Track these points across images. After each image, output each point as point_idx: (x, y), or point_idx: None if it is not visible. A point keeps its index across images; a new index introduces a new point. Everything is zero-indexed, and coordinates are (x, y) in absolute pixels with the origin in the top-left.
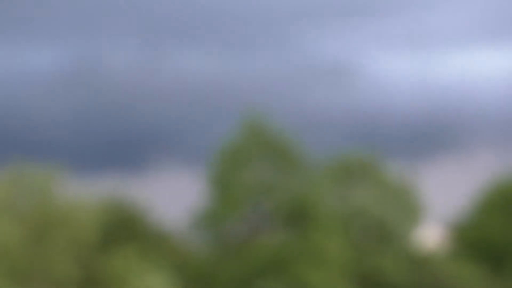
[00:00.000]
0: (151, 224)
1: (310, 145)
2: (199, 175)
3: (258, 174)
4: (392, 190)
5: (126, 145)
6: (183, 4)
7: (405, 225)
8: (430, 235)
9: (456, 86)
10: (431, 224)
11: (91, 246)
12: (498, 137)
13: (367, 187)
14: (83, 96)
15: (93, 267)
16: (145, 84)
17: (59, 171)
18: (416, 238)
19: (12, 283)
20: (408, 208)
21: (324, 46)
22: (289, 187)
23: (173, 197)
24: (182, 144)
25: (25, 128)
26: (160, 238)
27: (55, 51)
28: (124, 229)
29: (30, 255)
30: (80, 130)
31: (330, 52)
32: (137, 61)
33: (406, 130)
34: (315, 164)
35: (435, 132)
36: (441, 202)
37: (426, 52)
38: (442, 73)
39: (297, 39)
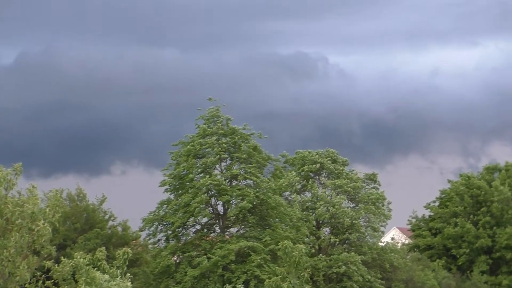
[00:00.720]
0: (107, 222)
1: (272, 144)
2: (156, 175)
3: (215, 174)
4: (356, 192)
5: (81, 144)
6: (144, 3)
7: (370, 226)
8: (393, 237)
9: (417, 90)
10: (394, 226)
11: (45, 244)
12: (457, 142)
13: (330, 188)
14: (33, 92)
15: (47, 265)
16: (99, 81)
17: (11, 171)
18: (381, 239)
19: None
20: (372, 210)
21: (286, 44)
22: (250, 187)
23: (129, 196)
24: (138, 143)
25: None
26: (116, 236)
27: (2, 47)
28: (80, 227)
29: None
30: (32, 128)
31: (292, 50)
32: (92, 58)
33: (367, 132)
34: (277, 164)
35: (397, 135)
36: (402, 205)
37: (389, 52)
38: (404, 75)
39: (257, 37)
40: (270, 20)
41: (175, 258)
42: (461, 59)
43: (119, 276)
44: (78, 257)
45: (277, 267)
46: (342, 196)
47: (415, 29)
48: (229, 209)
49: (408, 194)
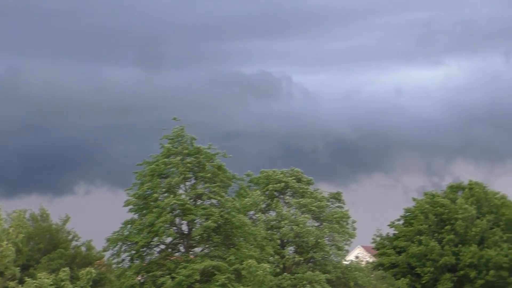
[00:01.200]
0: (71, 242)
1: (236, 163)
2: (120, 194)
3: (179, 194)
4: (320, 211)
5: (44, 164)
6: (106, 21)
7: (335, 244)
8: (358, 255)
9: (381, 109)
10: (359, 244)
11: (8, 264)
12: (420, 161)
13: (295, 207)
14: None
15: (11, 285)
16: (63, 101)
17: None
18: (345, 258)
19: None
20: (337, 229)
21: (250, 63)
22: (214, 206)
23: (92, 215)
24: (102, 163)
25: None
26: (79, 256)
27: None
28: (43, 247)
29: None
30: None
31: (256, 69)
32: (56, 78)
33: (332, 151)
34: (241, 183)
35: (361, 154)
36: (367, 223)
37: (352, 72)
38: (367, 95)
39: (221, 56)
40: (234, 39)
41: (139, 278)
42: (424, 78)
43: None
44: (42, 277)
45: (241, 287)
46: (306, 215)
47: (378, 49)
48: (193, 229)
49: (372, 213)
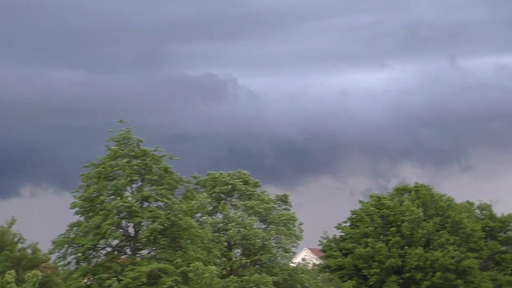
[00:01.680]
0: (16, 244)
1: (183, 166)
2: (66, 197)
3: (126, 196)
4: (267, 214)
5: None
6: (52, 24)
7: (282, 247)
8: (304, 257)
9: (327, 111)
10: (306, 246)
11: None
12: (367, 163)
13: (241, 209)
14: None
15: None
16: (8, 104)
17: None
18: (292, 260)
19: None
20: (283, 231)
21: (195, 65)
22: (161, 209)
23: (38, 218)
24: (48, 166)
25: None
26: (25, 258)
27: None
28: None
29: None
30: None
31: (202, 71)
32: (0, 80)
33: (278, 153)
34: (188, 185)
35: (308, 156)
36: (313, 225)
37: (298, 74)
38: (314, 97)
39: (166, 58)
40: (180, 42)
41: (85, 281)
42: (369, 81)
43: None
44: None
45: None
46: (253, 218)
47: (324, 51)
48: (140, 231)
49: (319, 215)
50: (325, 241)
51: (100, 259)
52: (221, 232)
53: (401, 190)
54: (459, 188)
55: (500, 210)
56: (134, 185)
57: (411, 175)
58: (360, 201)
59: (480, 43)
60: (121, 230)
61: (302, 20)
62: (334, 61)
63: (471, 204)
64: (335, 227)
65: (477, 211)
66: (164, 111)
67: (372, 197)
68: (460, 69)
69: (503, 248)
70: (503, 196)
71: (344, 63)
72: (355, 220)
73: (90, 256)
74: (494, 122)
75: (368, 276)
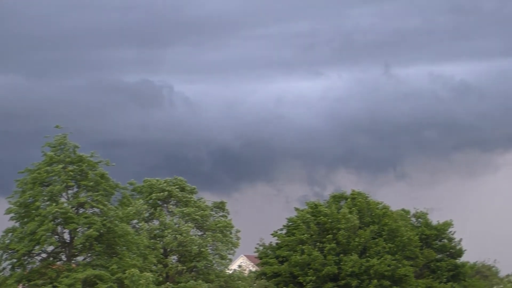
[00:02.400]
0: None
1: (119, 172)
2: (1, 202)
3: (61, 202)
4: (204, 221)
5: None
6: None
7: (218, 253)
8: (241, 264)
9: (263, 119)
10: (242, 253)
11: None
12: (303, 170)
13: (178, 216)
14: None
15: None
16: None
17: None
18: (228, 267)
19: None
20: (220, 238)
21: (131, 71)
22: (97, 215)
23: None
24: None
25: None
26: None
27: None
28: None
29: None
30: None
31: (138, 77)
32: None
33: (215, 160)
34: (124, 192)
35: (244, 163)
36: (250, 232)
37: (234, 81)
38: (250, 104)
39: (102, 64)
40: (116, 47)
41: (20, 287)
42: (305, 89)
43: None
44: None
45: None
46: (190, 224)
47: (260, 59)
48: (75, 237)
49: (255, 222)
50: (261, 248)
51: (35, 265)
52: (157, 239)
53: (338, 198)
54: (395, 195)
55: (435, 218)
56: (70, 191)
57: (347, 182)
58: (296, 209)
59: (415, 52)
60: (56, 236)
61: (238, 27)
62: (270, 69)
63: (407, 212)
64: (272, 234)
65: (413, 219)
66: (99, 117)
67: (308, 204)
68: (395, 77)
69: (438, 256)
70: (438, 204)
71: (279, 71)
72: (291, 228)
73: (25, 262)
74: (429, 130)
75: (304, 284)
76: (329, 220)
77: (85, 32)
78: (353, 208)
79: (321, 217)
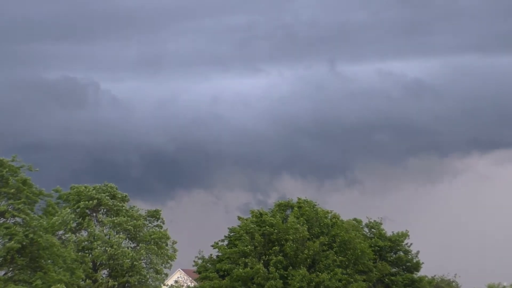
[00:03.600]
0: None
1: (42, 177)
2: None
3: None
4: (137, 231)
5: None
6: None
7: (153, 267)
8: (178, 279)
9: (198, 119)
10: (179, 267)
11: None
12: (243, 175)
13: (108, 226)
14: None
15: None
16: None
17: None
18: (164, 282)
19: None
20: (155, 250)
21: (51, 67)
22: (18, 225)
23: None
24: None
25: None
26: None
27: None
28: None
29: None
30: None
31: (59, 74)
32: None
33: (147, 164)
34: (49, 200)
35: (179, 168)
36: (188, 244)
37: (166, 79)
38: (183, 103)
39: (18, 59)
40: (35, 41)
41: None
42: (243, 87)
43: None
44: None
45: None
46: (121, 235)
47: (193, 55)
48: None
49: (193, 232)
50: (200, 261)
51: None
52: (86, 251)
53: (283, 206)
54: (345, 204)
55: (390, 229)
56: None
57: (293, 189)
58: (240, 218)
59: (362, 48)
60: None
61: (170, 21)
62: (205, 65)
63: (359, 221)
64: (212, 246)
65: (366, 230)
66: (17, 117)
67: (252, 213)
68: (341, 75)
69: (394, 270)
70: (392, 213)
71: (215, 68)
72: (233, 238)
73: None
74: (381, 133)
75: None
76: (276, 231)
77: (1, 25)
78: (301, 218)
79: (267, 227)
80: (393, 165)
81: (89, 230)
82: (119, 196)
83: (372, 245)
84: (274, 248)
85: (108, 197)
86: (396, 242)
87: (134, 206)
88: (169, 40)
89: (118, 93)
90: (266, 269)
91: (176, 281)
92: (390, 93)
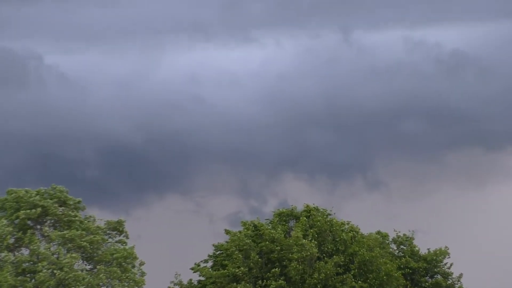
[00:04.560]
0: None
1: None
2: None
3: None
4: (95, 249)
5: None
6: None
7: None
8: None
9: (176, 100)
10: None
11: None
12: (230, 176)
13: (57, 242)
14: None
15: None
16: None
17: None
18: None
19: None
20: (118, 274)
21: None
22: None
23: None
24: None
25: None
26: None
27: None
28: None
29: None
30: None
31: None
32: None
33: (106, 161)
34: None
35: (148, 166)
36: (160, 264)
37: (135, 50)
38: (157, 82)
39: None
40: None
41: None
42: (232, 61)
43: None
44: None
45: None
46: (74, 254)
47: (167, 20)
48: None
49: (167, 250)
50: (177, 287)
51: None
52: (28, 275)
53: (285, 216)
54: (366, 212)
55: (424, 244)
56: None
57: (297, 194)
58: (228, 231)
59: (384, 11)
60: None
61: None
62: (181, 34)
63: (384, 235)
64: (192, 268)
65: (393, 246)
66: None
67: (245, 225)
68: (357, 45)
69: None
70: (426, 224)
71: (194, 37)
72: (221, 258)
73: None
74: (410, 121)
75: None
76: (277, 248)
77: None
78: (310, 231)
79: (266, 242)
80: (427, 163)
81: (31, 247)
82: (71, 202)
83: (402, 266)
84: (274, 270)
85: (57, 204)
86: (433, 263)
87: (90, 216)
88: (135, 2)
89: (68, 69)
90: None
91: None
92: (422, 69)
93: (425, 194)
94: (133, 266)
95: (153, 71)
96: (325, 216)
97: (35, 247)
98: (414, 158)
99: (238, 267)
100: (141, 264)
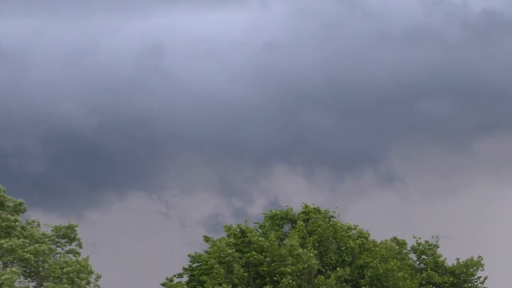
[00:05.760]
0: None
1: None
2: None
3: None
4: (40, 262)
5: None
6: None
7: None
8: None
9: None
10: None
11: None
12: (210, 167)
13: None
14: None
15: None
16: None
17: None
18: None
19: None
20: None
21: None
22: None
23: None
24: None
25: None
26: None
27: None
28: None
29: None
30: None
31: None
32: None
33: (51, 151)
34: None
35: (102, 157)
36: (123, 279)
37: (82, 14)
38: (111, 52)
39: None
40: None
41: None
42: (207, 27)
43: None
44: None
45: None
46: (14, 269)
47: None
48: None
49: (130, 262)
50: None
51: None
52: None
53: (278, 219)
54: (378, 213)
55: (450, 253)
56: None
57: (292, 190)
58: (206, 238)
59: None
60: None
61: None
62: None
63: (402, 243)
64: (163, 284)
65: (413, 256)
66: None
67: (228, 230)
68: (364, 6)
69: None
70: (453, 228)
71: None
72: (198, 272)
73: None
74: (432, 100)
75: None
76: (267, 259)
77: None
78: (309, 239)
79: (253, 252)
80: (454, 151)
81: None
82: (10, 204)
83: (424, 281)
84: (265, 287)
85: None
86: (463, 277)
87: (33, 221)
88: None
89: (2, 38)
90: None
91: None
92: (445, 35)
93: (451, 191)
94: (88, 282)
95: (107, 39)
96: (327, 219)
97: None
98: (438, 146)
99: (220, 284)
100: (97, 278)
